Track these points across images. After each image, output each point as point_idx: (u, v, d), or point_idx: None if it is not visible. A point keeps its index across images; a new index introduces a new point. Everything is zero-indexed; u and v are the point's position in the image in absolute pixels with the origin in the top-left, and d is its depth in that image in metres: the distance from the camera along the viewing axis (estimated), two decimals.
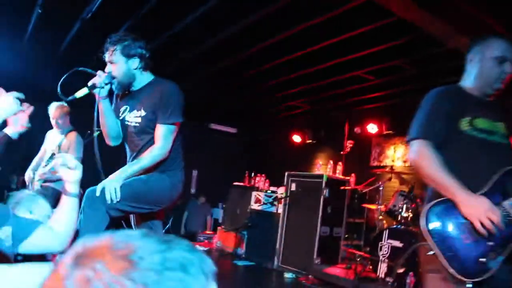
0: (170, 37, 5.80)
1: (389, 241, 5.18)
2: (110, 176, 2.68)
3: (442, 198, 1.98)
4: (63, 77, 2.75)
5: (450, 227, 1.95)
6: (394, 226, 5.43)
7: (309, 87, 7.67)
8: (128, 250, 0.60)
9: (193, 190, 10.46)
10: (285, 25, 5.31)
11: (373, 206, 6.27)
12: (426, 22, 4.61)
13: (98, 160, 2.80)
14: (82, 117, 5.12)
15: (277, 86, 7.82)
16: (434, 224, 1.95)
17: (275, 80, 7.44)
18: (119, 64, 2.84)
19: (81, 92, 2.76)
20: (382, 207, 5.91)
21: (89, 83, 2.79)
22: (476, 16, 4.53)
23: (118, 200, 2.60)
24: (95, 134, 5.36)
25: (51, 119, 5.04)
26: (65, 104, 5.10)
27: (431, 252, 1.91)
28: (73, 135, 5.09)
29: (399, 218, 5.54)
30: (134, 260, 0.59)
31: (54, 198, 4.79)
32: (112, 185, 2.60)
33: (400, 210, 5.54)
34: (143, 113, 2.89)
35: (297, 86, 7.76)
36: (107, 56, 2.86)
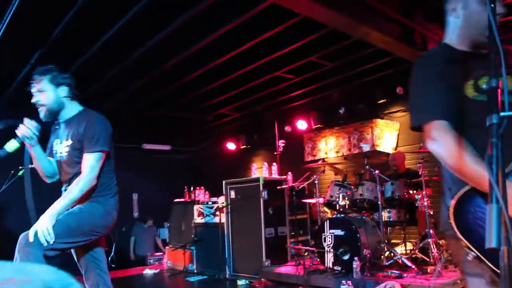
0: (90, 57, 5.71)
1: (331, 231, 5.32)
2: (42, 217, 2.62)
3: (466, 189, 1.55)
4: None
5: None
6: (334, 216, 5.59)
7: (233, 93, 7.76)
8: None
9: (136, 214, 10.24)
10: (199, 35, 5.36)
11: (312, 200, 6.42)
12: (331, 19, 4.82)
13: (30, 199, 2.75)
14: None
15: (202, 96, 7.85)
16: (467, 223, 1.54)
17: (199, 90, 7.48)
18: (48, 92, 2.89)
19: (12, 146, 2.79)
20: (321, 200, 6.07)
21: (19, 135, 2.80)
22: (375, 6, 4.79)
23: (53, 240, 2.54)
24: (20, 173, 5.15)
25: None
26: None
27: (470, 257, 1.51)
28: None
29: (337, 208, 5.72)
30: None
31: None
32: (44, 227, 2.54)
33: (337, 199, 5.72)
34: (69, 142, 2.92)
35: (221, 94, 7.83)
36: (34, 87, 2.89)
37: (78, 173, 2.86)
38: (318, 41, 5.69)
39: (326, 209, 6.34)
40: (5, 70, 5.87)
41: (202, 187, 7.92)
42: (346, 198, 5.67)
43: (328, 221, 5.41)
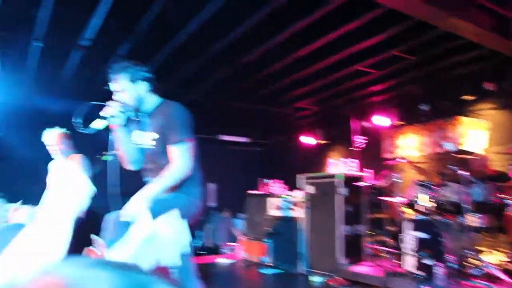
0: (173, 49, 5.87)
1: (412, 233, 5.14)
2: (132, 200, 2.70)
3: None
4: (78, 111, 2.83)
5: None
6: (415, 217, 5.39)
7: (313, 86, 7.68)
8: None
9: (213, 204, 10.48)
10: (281, 27, 5.35)
11: (392, 199, 6.23)
12: (417, 10, 4.61)
13: (114, 183, 2.86)
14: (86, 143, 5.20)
15: (282, 89, 7.85)
16: None
17: (279, 83, 7.47)
18: (127, 90, 2.91)
19: (99, 124, 2.84)
20: (401, 200, 5.88)
21: (104, 114, 2.85)
22: None
23: None
24: (105, 157, 5.40)
25: (49, 147, 4.94)
26: (63, 130, 5.07)
27: None
28: (77, 157, 5.05)
29: (420, 209, 5.51)
30: None
31: None
32: (134, 210, 2.63)
33: (419, 200, 5.51)
34: (153, 134, 2.96)
35: (301, 87, 7.78)
36: (112, 86, 2.94)
37: (162, 164, 2.90)
38: (402, 33, 5.47)
39: (406, 209, 6.13)
40: (95, 62, 6.18)
41: (279, 180, 7.94)
42: (429, 199, 5.44)
43: (410, 222, 5.23)
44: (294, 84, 7.57)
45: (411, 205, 5.70)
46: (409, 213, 6.05)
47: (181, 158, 2.82)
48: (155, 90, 3.05)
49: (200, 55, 6.19)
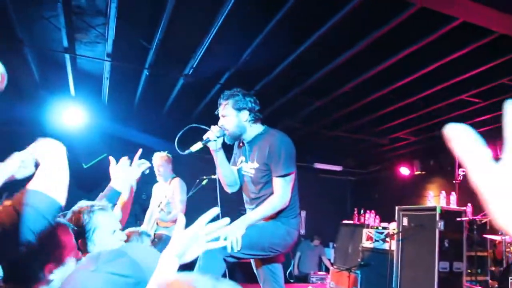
0: (271, 78, 6.04)
1: None
2: (232, 225, 2.79)
3: None
4: (179, 133, 3.07)
5: None
6: None
7: (412, 117, 7.42)
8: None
9: (303, 231, 10.42)
10: (381, 57, 5.29)
11: (496, 237, 5.77)
12: None
13: (218, 205, 2.99)
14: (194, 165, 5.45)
15: (380, 119, 7.66)
16: None
17: (377, 113, 7.31)
18: (230, 117, 3.05)
19: (196, 147, 3.01)
20: (507, 238, 5.43)
21: (204, 137, 3.03)
22: None
23: (238, 249, 2.72)
24: (204, 182, 5.67)
25: (154, 168, 5.35)
26: (167, 153, 5.48)
27: None
28: (176, 180, 5.40)
29: None
30: None
31: (163, 243, 5.12)
32: (234, 235, 2.72)
33: None
34: (256, 165, 3.06)
35: (400, 117, 7.55)
36: (220, 110, 3.10)
37: (261, 191, 3.04)
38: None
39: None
40: (200, 88, 6.51)
41: (372, 211, 7.72)
42: None
43: None
44: (392, 114, 7.37)
45: None
46: None
47: (283, 190, 2.92)
48: (257, 120, 3.15)
49: (299, 84, 6.28)
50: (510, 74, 5.51)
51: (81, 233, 2.03)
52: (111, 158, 2.72)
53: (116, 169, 2.68)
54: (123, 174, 2.67)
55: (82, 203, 2.14)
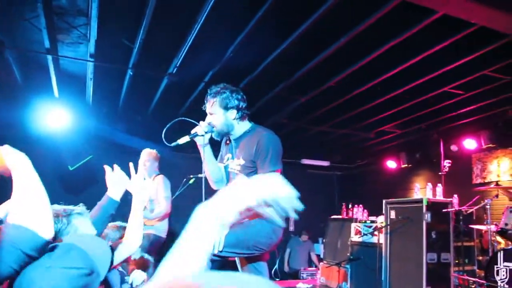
0: (257, 74, 6.02)
1: (506, 264, 4.77)
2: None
3: None
4: (168, 125, 3.07)
5: None
6: (510, 247, 5.01)
7: (397, 110, 7.47)
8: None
9: (291, 228, 10.44)
10: (364, 51, 5.32)
11: (482, 227, 5.84)
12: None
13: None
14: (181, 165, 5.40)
15: (365, 113, 7.70)
16: None
17: (362, 107, 7.35)
18: (217, 114, 3.06)
19: (183, 140, 3.02)
20: (492, 227, 5.50)
21: (192, 132, 3.04)
22: None
23: (221, 249, 2.72)
24: (191, 181, 5.66)
25: (140, 163, 5.34)
26: (155, 151, 5.48)
27: None
28: (159, 177, 5.40)
29: None
30: None
31: (150, 243, 5.11)
32: (218, 236, 2.71)
33: None
34: (242, 161, 3.06)
35: (385, 111, 7.59)
36: (207, 107, 3.10)
37: None
38: (494, 52, 5.19)
39: (499, 238, 5.72)
40: (184, 86, 6.49)
41: (360, 205, 7.77)
42: None
43: (502, 252, 4.87)
44: (377, 108, 7.41)
45: (503, 233, 5.31)
46: (502, 242, 5.65)
47: None
48: (245, 117, 3.16)
49: (284, 80, 6.29)
50: (491, 65, 5.58)
51: (57, 237, 2.00)
52: (106, 167, 2.67)
53: (113, 178, 2.64)
54: (120, 182, 2.64)
55: (56, 207, 2.10)
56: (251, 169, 3.01)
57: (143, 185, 2.61)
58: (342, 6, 4.21)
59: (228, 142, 3.28)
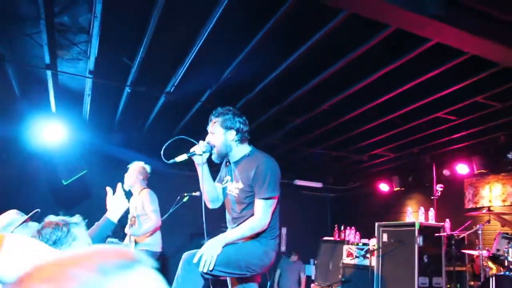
0: (252, 96, 6.09)
1: None
2: (208, 243, 2.86)
3: None
4: (167, 143, 3.13)
5: None
6: (502, 273, 5.04)
7: (390, 134, 7.55)
8: None
9: (283, 248, 10.41)
10: (359, 76, 5.40)
11: (474, 252, 5.88)
12: (504, 56, 4.47)
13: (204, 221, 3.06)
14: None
15: (359, 136, 7.77)
16: None
17: (356, 130, 7.42)
18: (217, 134, 3.10)
19: (181, 158, 3.07)
20: (484, 253, 5.53)
21: (190, 150, 3.08)
22: None
23: (210, 270, 2.75)
24: (185, 199, 5.65)
25: (127, 177, 5.31)
26: (146, 165, 5.45)
27: None
28: (145, 191, 5.32)
29: (506, 264, 5.15)
30: None
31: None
32: (209, 254, 2.77)
33: (505, 254, 5.16)
34: (240, 185, 3.09)
35: (378, 134, 7.67)
36: (209, 127, 3.16)
37: (243, 211, 3.07)
38: (486, 80, 5.31)
39: (490, 263, 5.75)
40: (181, 105, 6.53)
41: (352, 227, 7.79)
42: None
43: (494, 278, 4.89)
44: (371, 131, 7.48)
45: (495, 258, 5.35)
46: (493, 267, 5.68)
47: (264, 213, 2.95)
48: (245, 140, 3.21)
49: (278, 103, 6.36)
50: (482, 93, 5.69)
51: (56, 245, 2.01)
52: (108, 189, 2.74)
53: (113, 201, 2.70)
54: (120, 205, 2.72)
55: (52, 218, 2.12)
56: (249, 193, 3.04)
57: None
58: (338, 32, 4.31)
59: (228, 163, 3.31)
